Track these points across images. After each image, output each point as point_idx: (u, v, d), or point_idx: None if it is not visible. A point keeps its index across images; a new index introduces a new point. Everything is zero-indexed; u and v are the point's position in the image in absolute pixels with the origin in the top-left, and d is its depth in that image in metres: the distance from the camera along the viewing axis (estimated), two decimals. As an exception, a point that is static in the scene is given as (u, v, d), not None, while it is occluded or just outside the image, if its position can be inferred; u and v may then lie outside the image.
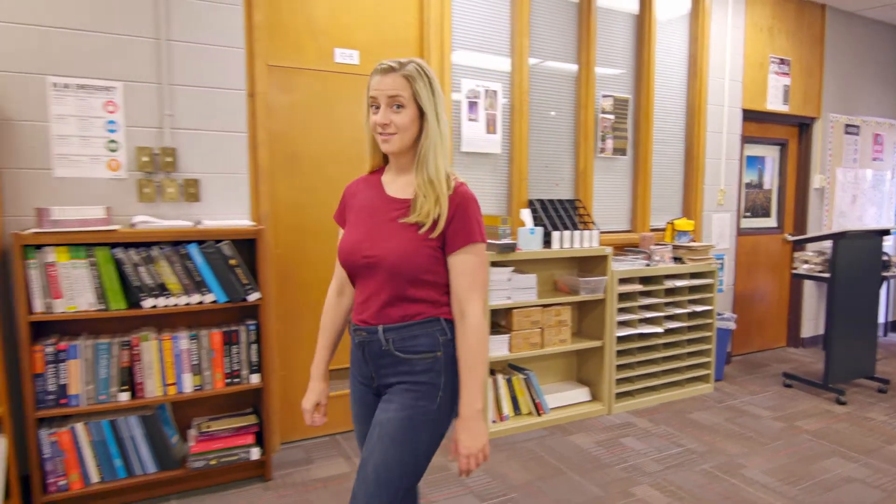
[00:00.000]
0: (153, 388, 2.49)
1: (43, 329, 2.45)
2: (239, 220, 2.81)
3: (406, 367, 1.41)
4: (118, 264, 2.40)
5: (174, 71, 2.65)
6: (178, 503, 2.53)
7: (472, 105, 3.44)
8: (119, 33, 2.54)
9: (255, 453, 2.66)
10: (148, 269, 2.45)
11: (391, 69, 1.37)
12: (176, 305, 2.48)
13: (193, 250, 2.51)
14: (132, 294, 2.43)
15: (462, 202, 1.39)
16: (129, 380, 2.45)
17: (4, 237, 2.40)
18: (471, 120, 3.44)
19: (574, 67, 3.80)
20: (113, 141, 2.56)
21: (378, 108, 1.39)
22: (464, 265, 1.39)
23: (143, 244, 2.48)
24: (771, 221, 5.05)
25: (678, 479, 2.77)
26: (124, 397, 2.43)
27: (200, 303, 2.52)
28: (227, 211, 2.80)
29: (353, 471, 2.81)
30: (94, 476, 2.42)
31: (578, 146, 3.85)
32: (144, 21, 2.58)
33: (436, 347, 1.41)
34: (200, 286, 2.52)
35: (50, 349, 2.31)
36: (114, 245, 2.41)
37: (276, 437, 3.02)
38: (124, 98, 2.56)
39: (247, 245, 2.72)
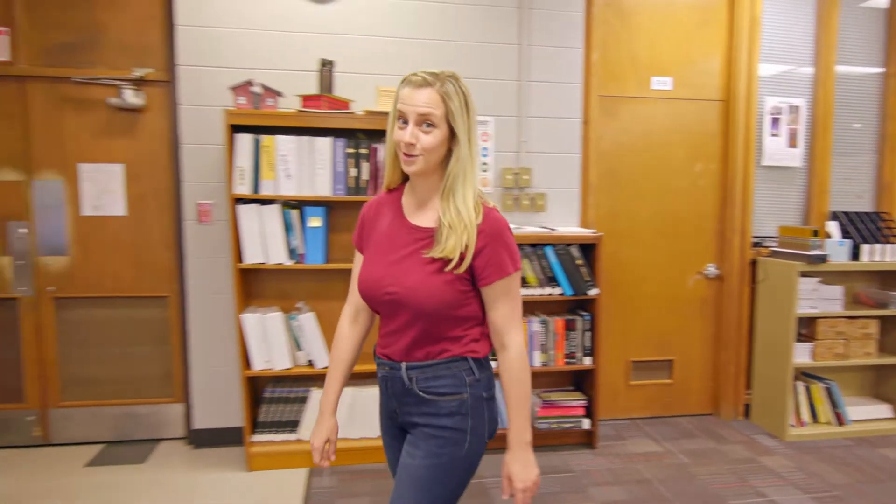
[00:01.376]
0: (512, 361, 3.11)
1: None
2: (571, 227, 3.34)
3: (431, 409, 1.35)
4: (494, 260, 3.05)
5: (530, 105, 3.26)
6: (526, 456, 3.12)
7: (775, 121, 3.60)
8: (493, 78, 3.22)
9: (585, 424, 3.16)
10: (514, 266, 3.07)
11: (426, 83, 1.26)
12: (532, 295, 3.07)
13: (549, 251, 3.08)
14: (502, 284, 3.07)
15: (493, 232, 1.30)
16: (497, 352, 3.09)
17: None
18: (773, 135, 3.60)
19: (877, 71, 3.74)
20: (485, 163, 3.24)
21: (406, 122, 1.29)
22: (501, 297, 1.33)
23: (510, 245, 3.11)
24: None
25: None
26: (492, 366, 3.07)
27: (550, 294, 3.09)
28: (562, 219, 3.35)
29: (664, 452, 3.18)
30: (468, 425, 3.10)
31: (883, 157, 3.78)
32: (511, 67, 3.23)
33: (461, 388, 1.34)
34: (552, 281, 3.09)
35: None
36: (491, 245, 3.07)
37: (599, 413, 3.49)
38: (495, 129, 3.23)
39: (583, 249, 3.22)
